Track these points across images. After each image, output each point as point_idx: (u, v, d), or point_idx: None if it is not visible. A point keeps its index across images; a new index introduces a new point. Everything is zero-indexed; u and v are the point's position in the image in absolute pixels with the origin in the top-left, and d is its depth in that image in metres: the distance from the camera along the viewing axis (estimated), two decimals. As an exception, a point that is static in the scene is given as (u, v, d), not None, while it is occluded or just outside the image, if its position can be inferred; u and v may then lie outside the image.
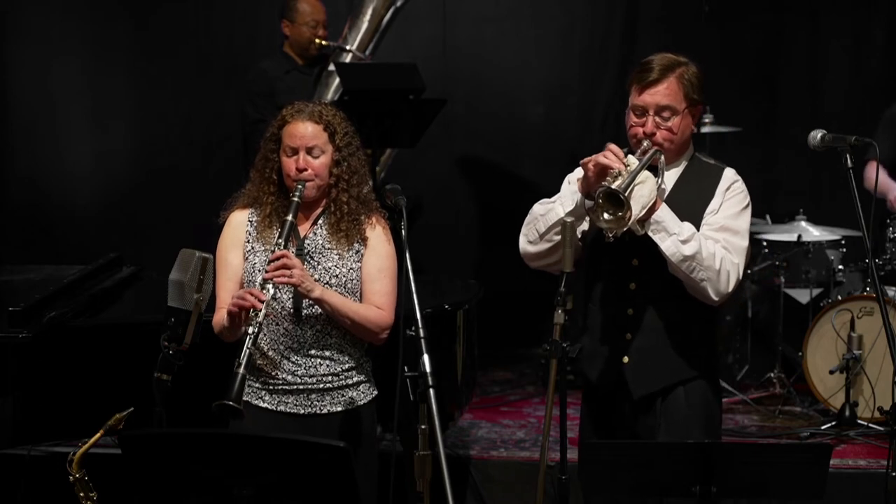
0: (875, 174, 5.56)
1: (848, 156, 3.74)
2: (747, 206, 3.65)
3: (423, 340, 3.26)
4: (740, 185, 3.66)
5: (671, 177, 3.65)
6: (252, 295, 3.47)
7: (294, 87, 6.29)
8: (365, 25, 6.31)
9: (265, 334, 3.62)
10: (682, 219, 3.54)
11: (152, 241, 6.94)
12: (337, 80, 6.11)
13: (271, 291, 3.52)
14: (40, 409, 4.26)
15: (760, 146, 7.12)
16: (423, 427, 3.22)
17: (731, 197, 3.63)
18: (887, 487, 3.58)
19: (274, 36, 6.74)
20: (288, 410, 3.65)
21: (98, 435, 3.32)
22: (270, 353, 3.64)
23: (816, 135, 3.83)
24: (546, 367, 6.16)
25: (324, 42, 6.35)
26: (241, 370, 3.43)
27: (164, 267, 3.49)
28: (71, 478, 3.37)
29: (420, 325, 3.29)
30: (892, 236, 5.98)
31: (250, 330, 3.47)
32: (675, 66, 3.61)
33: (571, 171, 3.78)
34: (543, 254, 3.65)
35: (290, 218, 3.59)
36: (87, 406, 4.24)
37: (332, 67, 6.18)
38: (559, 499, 3.42)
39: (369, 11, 6.31)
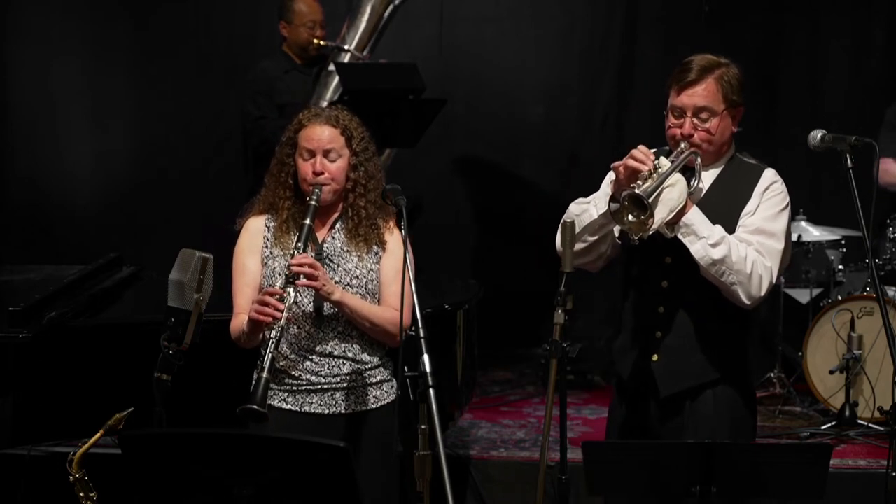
0: (889, 168, 5.60)
1: (848, 156, 3.74)
2: (785, 207, 3.60)
3: (423, 340, 3.26)
4: (779, 186, 3.61)
5: (708, 177, 3.62)
6: (272, 295, 3.47)
7: (294, 87, 6.30)
8: (363, 25, 6.31)
9: (286, 337, 3.63)
10: (719, 219, 3.52)
11: (152, 241, 6.93)
12: (336, 79, 6.11)
13: (293, 296, 3.51)
14: (40, 409, 4.25)
15: (760, 146, 7.09)
16: (423, 427, 3.22)
17: (769, 198, 3.59)
18: (887, 487, 3.58)
19: (274, 36, 6.74)
20: (312, 411, 3.66)
21: (98, 435, 3.32)
22: (293, 355, 3.65)
23: (816, 135, 3.83)
24: (546, 367, 6.17)
25: (322, 42, 6.35)
26: (266, 374, 3.43)
27: (164, 267, 3.49)
28: (71, 478, 3.36)
29: (420, 325, 3.29)
30: (892, 236, 5.98)
31: (273, 334, 3.47)
32: (714, 67, 3.59)
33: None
34: (580, 253, 3.60)
35: (307, 222, 3.59)
36: (87, 406, 4.23)
37: (331, 67, 6.18)
38: (559, 499, 3.42)
39: (367, 11, 6.30)
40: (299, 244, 3.56)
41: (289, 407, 3.66)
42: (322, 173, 3.63)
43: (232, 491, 3.00)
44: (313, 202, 3.61)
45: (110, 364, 4.33)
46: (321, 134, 3.65)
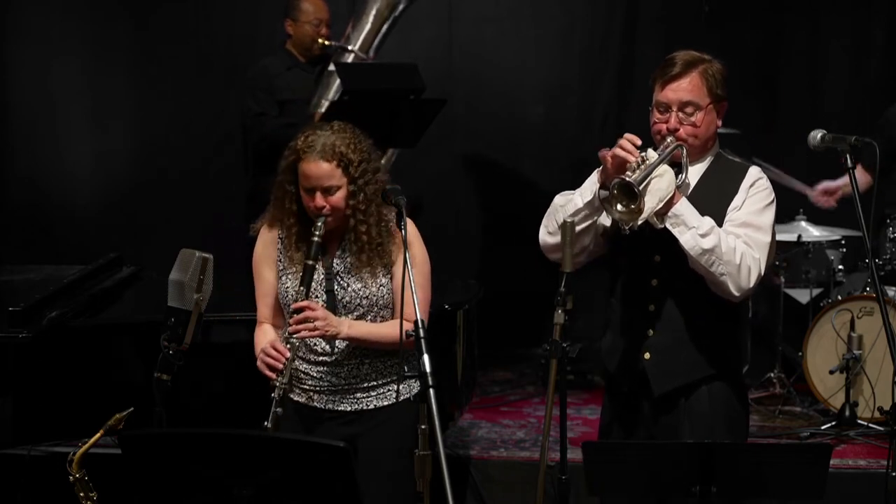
0: (862, 178, 5.64)
1: (848, 156, 3.74)
2: (771, 202, 3.63)
3: (423, 340, 3.27)
4: (764, 183, 3.64)
5: (695, 173, 3.64)
6: (276, 351, 3.56)
7: (295, 85, 6.29)
8: (368, 26, 6.31)
9: (304, 352, 3.69)
10: (706, 215, 3.53)
11: (152, 241, 6.93)
12: (337, 80, 6.11)
13: (296, 345, 3.60)
14: (40, 409, 4.25)
15: (760, 146, 7.11)
16: (423, 427, 3.22)
17: (754, 194, 3.61)
18: (887, 487, 3.58)
19: (274, 35, 6.74)
20: (335, 408, 3.71)
21: (98, 435, 3.32)
22: (312, 356, 3.70)
23: (816, 135, 3.83)
24: (546, 367, 6.16)
25: (326, 42, 6.36)
26: (270, 427, 3.52)
27: (164, 267, 3.50)
28: (71, 478, 3.36)
29: (420, 325, 3.30)
30: (891, 236, 5.98)
31: (275, 394, 3.54)
32: (698, 62, 3.60)
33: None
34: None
35: (310, 262, 3.61)
36: (87, 406, 4.23)
37: (332, 67, 6.18)
38: (559, 499, 3.42)
39: (372, 12, 6.30)
40: (302, 288, 3.60)
41: (315, 404, 3.72)
42: (324, 207, 3.64)
43: (232, 491, 3.00)
44: (315, 238, 3.62)
45: (110, 364, 4.33)
46: (318, 171, 3.62)
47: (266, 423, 3.52)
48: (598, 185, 3.55)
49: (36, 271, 5.12)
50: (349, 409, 3.71)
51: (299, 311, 3.57)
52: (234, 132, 6.76)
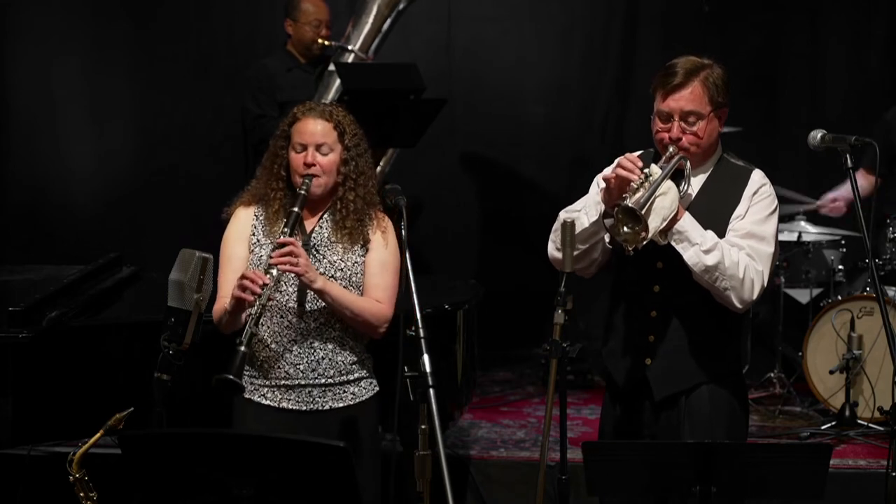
0: (865, 183, 5.63)
1: (848, 156, 3.74)
2: (774, 210, 3.61)
3: (423, 340, 3.27)
4: (767, 189, 3.62)
5: (698, 181, 3.62)
6: (255, 275, 3.51)
7: (295, 85, 6.29)
8: (368, 26, 6.31)
9: (268, 326, 3.66)
10: (709, 223, 3.52)
11: (152, 241, 6.94)
12: (337, 80, 6.11)
13: (275, 275, 3.55)
14: (40, 409, 4.26)
15: (760, 146, 7.12)
16: (423, 427, 3.22)
17: (757, 202, 3.59)
18: (887, 487, 3.58)
19: (273, 35, 6.74)
20: (290, 407, 3.68)
21: (98, 435, 3.32)
22: (273, 345, 3.67)
23: (816, 135, 3.83)
24: (546, 367, 6.16)
25: (326, 42, 6.36)
26: (243, 348, 3.48)
27: (164, 267, 3.50)
28: (71, 478, 3.36)
29: (420, 325, 3.30)
30: (891, 236, 5.98)
31: (253, 310, 3.51)
32: (699, 70, 3.57)
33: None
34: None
35: (296, 209, 3.62)
36: (87, 406, 4.24)
37: (332, 67, 6.18)
38: (559, 499, 3.42)
39: (373, 12, 6.30)
40: (285, 229, 3.59)
41: (268, 403, 3.69)
42: (313, 165, 3.65)
43: (232, 491, 3.01)
44: (303, 192, 3.64)
45: (110, 364, 4.33)
46: (314, 128, 3.68)
47: (239, 339, 3.48)
48: (602, 207, 3.52)
49: (36, 271, 5.12)
50: (304, 408, 3.68)
51: (283, 246, 3.54)
52: (234, 132, 6.76)
